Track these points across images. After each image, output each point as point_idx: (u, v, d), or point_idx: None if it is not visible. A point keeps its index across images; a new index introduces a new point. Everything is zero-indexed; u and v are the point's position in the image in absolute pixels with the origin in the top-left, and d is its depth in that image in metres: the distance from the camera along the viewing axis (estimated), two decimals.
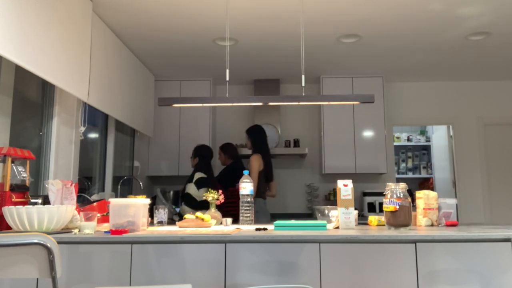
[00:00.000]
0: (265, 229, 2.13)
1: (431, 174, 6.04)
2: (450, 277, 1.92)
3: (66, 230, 2.15)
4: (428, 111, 5.53)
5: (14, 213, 1.96)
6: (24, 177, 2.30)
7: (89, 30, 3.29)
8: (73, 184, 2.32)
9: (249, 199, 2.67)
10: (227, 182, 4.15)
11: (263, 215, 3.77)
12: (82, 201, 2.95)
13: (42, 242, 1.43)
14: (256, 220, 3.37)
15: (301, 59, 4.52)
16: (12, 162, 2.25)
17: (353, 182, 4.69)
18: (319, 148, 5.39)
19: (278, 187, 5.39)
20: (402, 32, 3.93)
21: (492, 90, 5.54)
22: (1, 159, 2.23)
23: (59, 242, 1.54)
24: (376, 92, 5.09)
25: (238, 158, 4.44)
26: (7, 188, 2.18)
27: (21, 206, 1.97)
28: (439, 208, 2.42)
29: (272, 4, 3.37)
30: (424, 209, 2.39)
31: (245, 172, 2.77)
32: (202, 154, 4.07)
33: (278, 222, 2.24)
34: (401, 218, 2.12)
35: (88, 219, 2.02)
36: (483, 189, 5.36)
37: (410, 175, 6.04)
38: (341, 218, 2.27)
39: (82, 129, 3.46)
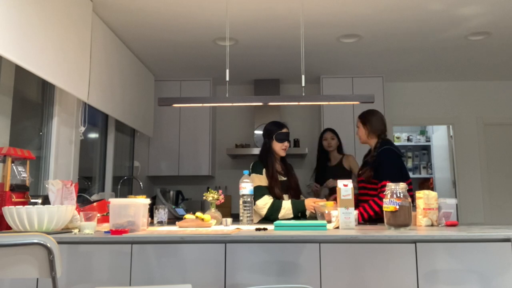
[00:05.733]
0: (265, 229, 2.13)
1: (431, 174, 6.03)
2: (450, 277, 1.92)
3: (66, 230, 2.15)
4: (428, 111, 5.53)
5: (14, 213, 1.95)
6: (24, 177, 2.30)
7: (89, 30, 3.29)
8: (73, 184, 2.31)
9: (249, 199, 2.67)
10: None
11: None
12: (82, 201, 2.95)
13: (42, 242, 1.43)
14: None
15: (301, 59, 4.52)
16: (12, 162, 2.25)
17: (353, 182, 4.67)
18: None
19: None
20: (402, 32, 3.93)
21: (492, 90, 5.54)
22: (1, 159, 2.23)
23: (59, 242, 1.54)
24: (376, 92, 5.09)
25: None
26: (7, 188, 2.18)
27: (21, 206, 1.97)
28: (439, 208, 2.41)
29: (272, 4, 3.37)
30: (424, 209, 2.39)
31: (245, 172, 2.77)
32: None
33: (278, 222, 2.24)
34: (401, 218, 2.12)
35: (88, 219, 2.02)
36: (483, 189, 5.36)
37: (410, 175, 6.02)
38: (341, 218, 2.27)
39: (82, 129, 3.46)
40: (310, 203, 2.83)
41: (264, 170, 2.98)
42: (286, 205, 2.87)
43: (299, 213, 2.98)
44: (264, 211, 2.86)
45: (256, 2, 3.32)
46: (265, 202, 2.86)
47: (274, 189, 2.94)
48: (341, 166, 4.22)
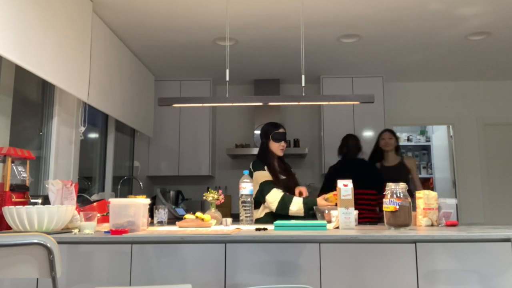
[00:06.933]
0: (265, 229, 2.13)
1: (431, 174, 6.03)
2: (450, 277, 1.92)
3: (66, 230, 2.15)
4: (428, 111, 5.53)
5: (14, 213, 1.95)
6: (24, 177, 2.30)
7: (89, 30, 3.29)
8: (73, 184, 2.31)
9: (249, 199, 2.67)
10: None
11: None
12: (82, 201, 2.95)
13: (42, 242, 1.43)
14: None
15: (301, 59, 4.52)
16: (12, 162, 2.25)
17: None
18: (319, 148, 5.39)
19: None
20: (402, 32, 3.93)
21: (492, 90, 5.54)
22: (1, 159, 2.23)
23: (59, 242, 1.54)
24: (376, 92, 5.09)
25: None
26: (7, 188, 2.18)
27: (21, 206, 1.97)
28: (439, 208, 2.41)
29: (272, 4, 3.37)
30: (424, 209, 2.39)
31: (245, 172, 2.77)
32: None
33: (278, 222, 2.24)
34: (401, 218, 2.12)
35: (88, 219, 2.02)
36: (483, 189, 5.36)
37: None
38: (341, 218, 2.27)
39: (82, 129, 3.46)
40: (324, 202, 2.79)
41: (265, 167, 2.99)
42: (297, 201, 2.83)
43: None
44: (274, 206, 2.85)
45: (256, 2, 3.32)
46: (275, 197, 2.85)
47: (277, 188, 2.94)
48: (403, 166, 4.07)
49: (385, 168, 4.04)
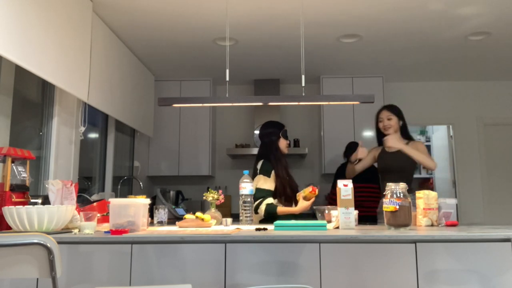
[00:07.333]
0: (265, 229, 2.13)
1: (431, 174, 6.03)
2: (450, 277, 1.92)
3: (66, 230, 2.15)
4: (428, 111, 5.53)
5: (14, 213, 1.95)
6: (24, 177, 2.30)
7: (89, 30, 3.29)
8: (73, 184, 2.31)
9: (249, 199, 2.67)
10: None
11: None
12: (82, 201, 2.95)
13: (42, 242, 1.43)
14: None
15: (301, 59, 4.52)
16: (12, 162, 2.25)
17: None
18: (319, 148, 5.39)
19: None
20: (402, 32, 3.93)
21: (492, 90, 5.54)
22: (1, 159, 2.22)
23: (59, 242, 1.54)
24: (376, 92, 5.09)
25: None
26: (7, 188, 2.18)
27: (21, 206, 1.97)
28: (439, 208, 2.41)
29: (272, 4, 3.37)
30: (424, 209, 2.39)
31: (245, 172, 2.77)
32: None
33: (278, 222, 2.24)
34: (401, 218, 2.12)
35: (88, 219, 2.02)
36: (483, 189, 5.36)
37: None
38: (341, 218, 2.27)
39: (82, 129, 3.46)
40: (306, 203, 2.82)
41: (272, 172, 2.95)
42: (263, 207, 2.87)
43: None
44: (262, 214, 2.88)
45: (256, 2, 3.32)
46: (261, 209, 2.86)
47: (286, 189, 2.93)
48: (403, 152, 3.14)
49: (384, 154, 3.29)
